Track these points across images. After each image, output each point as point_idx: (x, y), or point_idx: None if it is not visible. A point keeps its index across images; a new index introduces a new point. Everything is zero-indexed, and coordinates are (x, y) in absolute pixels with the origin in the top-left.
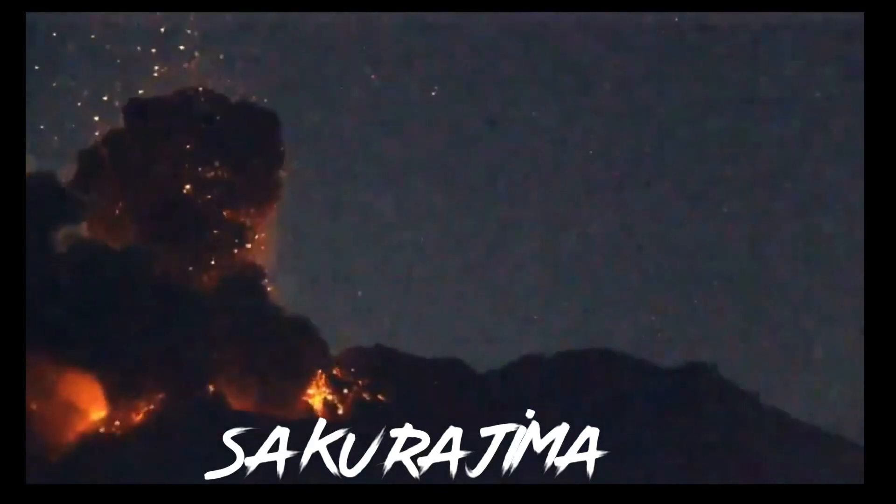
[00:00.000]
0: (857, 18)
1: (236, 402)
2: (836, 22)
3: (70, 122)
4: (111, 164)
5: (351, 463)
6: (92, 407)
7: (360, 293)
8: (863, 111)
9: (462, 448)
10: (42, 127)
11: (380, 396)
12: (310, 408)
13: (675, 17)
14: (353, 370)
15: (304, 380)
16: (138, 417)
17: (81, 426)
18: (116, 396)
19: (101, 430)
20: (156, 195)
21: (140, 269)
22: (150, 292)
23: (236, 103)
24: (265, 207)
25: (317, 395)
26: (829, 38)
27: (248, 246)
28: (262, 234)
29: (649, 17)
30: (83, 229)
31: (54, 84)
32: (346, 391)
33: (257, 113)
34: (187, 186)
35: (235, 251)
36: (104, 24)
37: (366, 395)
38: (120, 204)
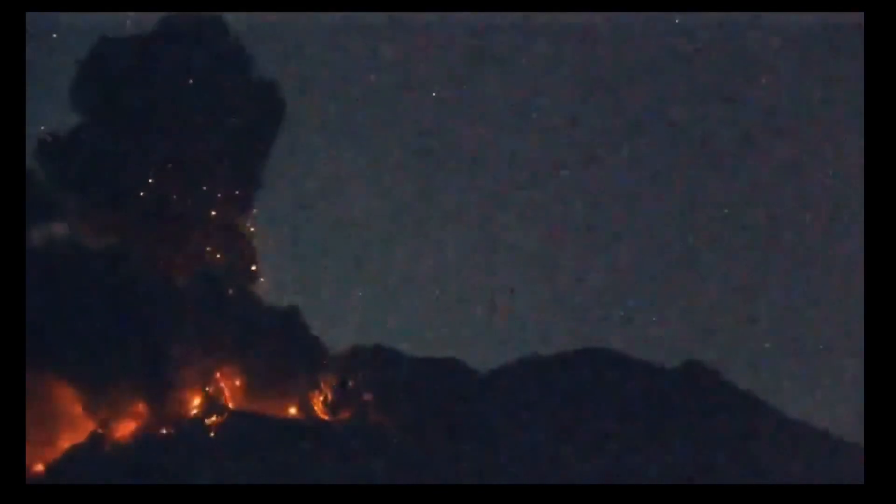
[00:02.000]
0: (857, 18)
1: (236, 403)
2: (836, 22)
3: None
4: (90, 160)
5: (351, 462)
6: (78, 413)
7: (360, 293)
8: (863, 111)
9: (462, 447)
10: (43, 128)
11: (379, 396)
12: (310, 408)
13: (676, 17)
14: (352, 370)
15: (305, 380)
16: (133, 420)
17: (68, 434)
18: (95, 404)
19: (89, 436)
20: (141, 192)
21: (128, 269)
22: (141, 294)
23: (226, 96)
24: (247, 199)
25: (317, 396)
26: (828, 39)
27: (247, 247)
28: (263, 236)
29: (649, 18)
30: (61, 228)
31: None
32: (345, 391)
33: (245, 105)
34: (172, 181)
35: (232, 253)
36: (99, 23)
37: (365, 396)
38: (98, 201)
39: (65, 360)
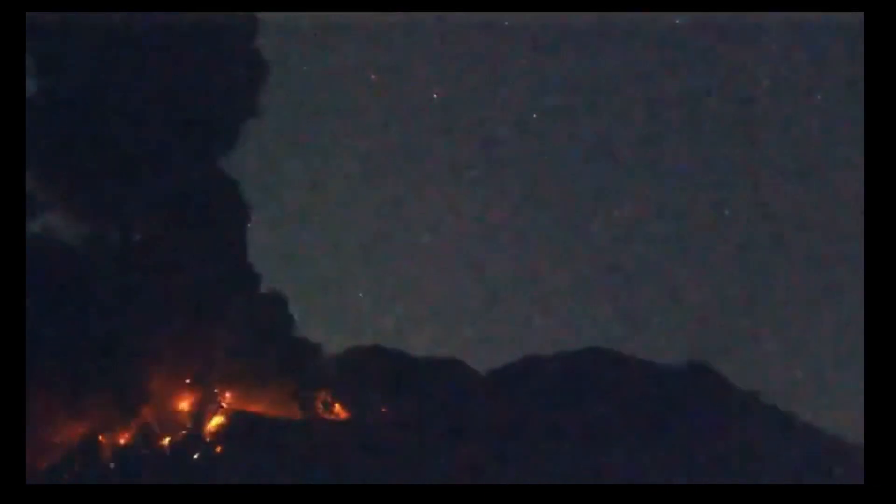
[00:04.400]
0: (857, 18)
1: (237, 403)
2: (836, 22)
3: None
4: (73, 153)
5: (351, 462)
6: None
7: (360, 294)
8: (863, 111)
9: (462, 447)
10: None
11: (379, 396)
12: (310, 408)
13: (676, 17)
14: (353, 371)
15: (304, 380)
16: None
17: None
18: (82, 408)
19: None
20: (129, 189)
21: (120, 268)
22: (131, 293)
23: (220, 95)
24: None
25: (317, 396)
26: (829, 38)
27: (243, 245)
28: (259, 234)
29: (649, 18)
30: (41, 224)
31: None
32: (345, 392)
33: (240, 103)
34: (163, 178)
35: (231, 251)
36: (98, 24)
37: (365, 396)
38: (86, 197)
39: (51, 363)
